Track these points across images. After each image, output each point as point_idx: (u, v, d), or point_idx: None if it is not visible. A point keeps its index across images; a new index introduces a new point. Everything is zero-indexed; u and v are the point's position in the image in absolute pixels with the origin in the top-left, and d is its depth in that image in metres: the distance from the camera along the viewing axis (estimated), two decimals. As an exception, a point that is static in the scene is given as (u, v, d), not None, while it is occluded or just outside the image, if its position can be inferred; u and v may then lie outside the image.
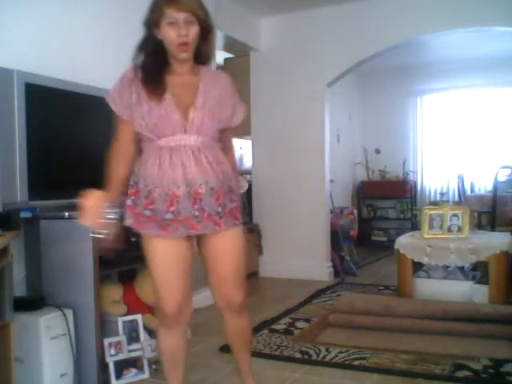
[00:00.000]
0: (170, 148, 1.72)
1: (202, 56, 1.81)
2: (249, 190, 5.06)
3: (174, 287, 1.80)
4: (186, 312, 1.86)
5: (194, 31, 1.70)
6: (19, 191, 2.21)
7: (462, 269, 3.74)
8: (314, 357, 2.75)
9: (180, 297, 1.81)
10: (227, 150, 1.92)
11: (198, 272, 3.88)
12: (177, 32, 1.68)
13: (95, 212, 1.69)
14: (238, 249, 1.87)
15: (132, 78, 1.77)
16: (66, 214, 2.34)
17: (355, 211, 5.65)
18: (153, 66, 1.76)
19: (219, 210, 1.76)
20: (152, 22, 1.72)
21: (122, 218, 1.77)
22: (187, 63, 1.78)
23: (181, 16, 1.67)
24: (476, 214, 4.55)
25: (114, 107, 1.79)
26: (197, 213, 1.72)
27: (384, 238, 7.22)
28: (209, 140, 1.77)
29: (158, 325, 1.98)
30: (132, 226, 1.77)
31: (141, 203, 1.75)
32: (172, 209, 1.71)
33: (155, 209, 1.72)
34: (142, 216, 1.74)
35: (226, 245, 1.84)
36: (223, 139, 1.88)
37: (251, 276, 4.82)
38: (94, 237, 1.75)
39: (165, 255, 1.78)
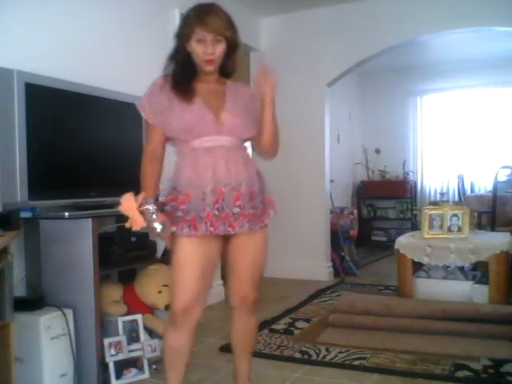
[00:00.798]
0: (205, 149, 1.79)
1: (227, 69, 1.91)
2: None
3: (186, 284, 1.80)
4: (193, 313, 1.85)
5: (220, 49, 1.80)
6: (19, 191, 2.21)
7: (462, 269, 3.74)
8: (314, 357, 2.75)
9: (190, 296, 1.81)
10: None
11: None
12: (204, 49, 1.77)
13: (137, 214, 1.72)
14: (262, 251, 1.93)
15: (162, 84, 1.84)
16: (66, 214, 2.34)
17: (355, 211, 5.65)
18: (182, 73, 1.84)
19: (251, 210, 1.81)
20: (183, 35, 1.81)
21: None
22: (213, 74, 1.88)
23: (209, 36, 1.76)
24: (476, 214, 4.55)
25: (144, 114, 1.85)
26: (235, 210, 1.77)
27: (384, 238, 7.23)
28: (239, 142, 1.87)
29: (167, 321, 1.97)
30: (171, 230, 1.78)
31: (176, 205, 1.78)
32: (207, 207, 1.75)
33: (186, 209, 1.76)
34: (176, 216, 1.77)
35: (251, 246, 1.88)
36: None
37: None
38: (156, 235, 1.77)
39: (190, 251, 1.80)
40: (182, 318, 1.84)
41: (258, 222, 1.85)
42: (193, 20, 1.78)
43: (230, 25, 1.82)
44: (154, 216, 1.74)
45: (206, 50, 1.77)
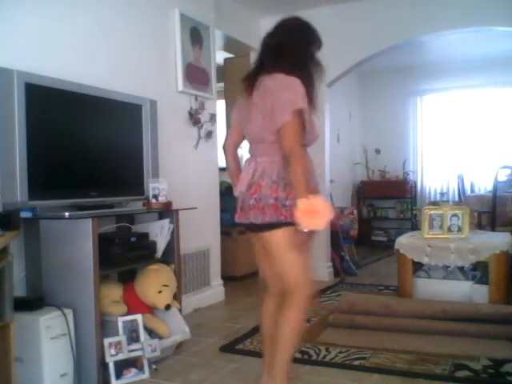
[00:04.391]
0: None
1: None
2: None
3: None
4: None
5: None
6: (19, 191, 2.21)
7: (461, 269, 3.74)
8: (314, 357, 2.75)
9: None
10: None
11: (197, 271, 3.88)
12: None
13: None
14: None
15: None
16: (66, 214, 2.34)
17: (355, 211, 5.65)
18: (311, 82, 2.10)
19: None
20: (317, 46, 2.28)
21: None
22: None
23: None
24: (476, 214, 4.55)
25: (306, 117, 1.98)
26: None
27: (384, 238, 7.24)
28: None
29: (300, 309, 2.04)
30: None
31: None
32: None
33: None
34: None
35: None
36: None
37: (251, 276, 4.82)
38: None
39: None
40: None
41: None
42: (319, 39, 2.25)
43: None
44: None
45: None
